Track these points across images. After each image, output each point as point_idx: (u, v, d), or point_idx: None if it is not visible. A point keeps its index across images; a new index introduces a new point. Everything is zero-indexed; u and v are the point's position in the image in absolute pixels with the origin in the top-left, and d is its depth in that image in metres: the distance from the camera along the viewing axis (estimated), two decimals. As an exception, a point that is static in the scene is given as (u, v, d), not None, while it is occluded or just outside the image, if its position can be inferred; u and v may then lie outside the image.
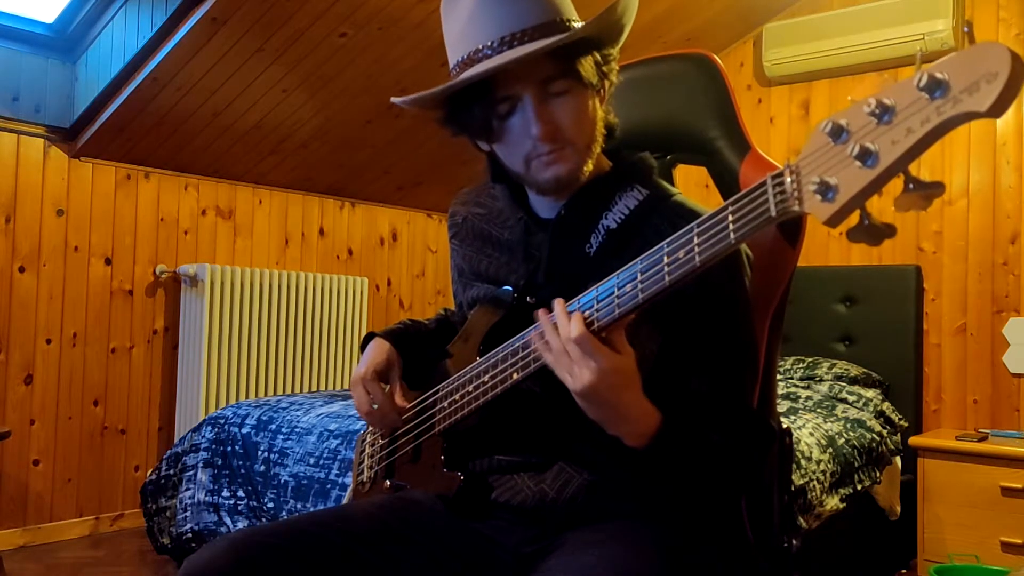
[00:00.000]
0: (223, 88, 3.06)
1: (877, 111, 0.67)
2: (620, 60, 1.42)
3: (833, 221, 0.70)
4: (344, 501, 1.42)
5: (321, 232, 3.94)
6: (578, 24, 1.04)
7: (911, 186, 0.68)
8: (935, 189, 0.68)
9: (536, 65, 1.01)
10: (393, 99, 1.12)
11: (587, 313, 0.90)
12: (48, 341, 3.10)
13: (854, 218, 0.71)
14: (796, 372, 3.28)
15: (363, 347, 1.27)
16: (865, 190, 0.68)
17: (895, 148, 0.66)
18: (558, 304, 0.92)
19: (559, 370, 0.91)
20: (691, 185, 3.41)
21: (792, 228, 1.18)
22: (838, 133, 0.70)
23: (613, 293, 0.89)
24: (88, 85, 3.08)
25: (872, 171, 0.67)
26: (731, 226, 0.78)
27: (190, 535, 2.58)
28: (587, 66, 1.03)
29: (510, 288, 1.12)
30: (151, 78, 2.91)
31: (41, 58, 3.06)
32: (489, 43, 1.01)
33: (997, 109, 0.61)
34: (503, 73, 1.01)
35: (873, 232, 0.70)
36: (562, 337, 0.89)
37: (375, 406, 1.19)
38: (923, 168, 3.47)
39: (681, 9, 3.55)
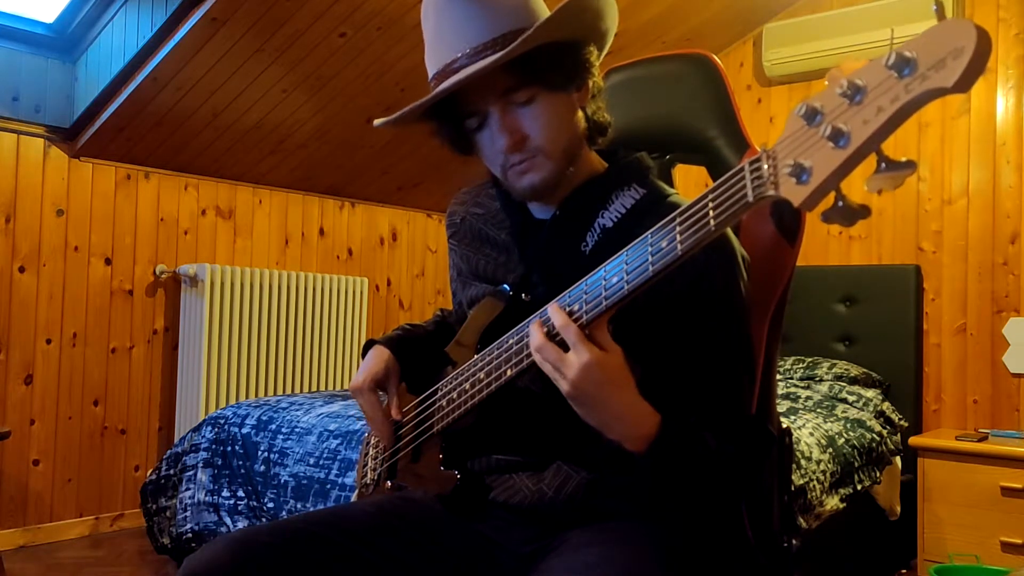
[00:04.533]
0: (223, 88, 3.06)
1: (849, 92, 0.67)
2: (619, 60, 1.42)
3: (808, 204, 0.70)
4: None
5: (321, 232, 3.94)
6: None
7: (883, 165, 0.68)
8: (907, 169, 0.68)
9: (494, 77, 0.99)
10: (375, 121, 1.12)
11: (575, 307, 0.90)
12: (48, 341, 3.10)
13: (830, 199, 0.70)
14: (796, 372, 3.28)
15: (364, 354, 1.26)
16: (838, 171, 0.68)
17: (866, 127, 0.66)
18: (550, 306, 0.92)
19: (545, 369, 0.90)
20: (691, 185, 3.41)
21: (791, 225, 1.16)
22: (812, 116, 0.70)
23: (601, 285, 0.89)
24: (88, 85, 3.08)
25: (844, 151, 0.67)
26: (711, 213, 0.78)
27: (190, 535, 2.58)
28: (552, 71, 1.00)
29: (507, 287, 1.11)
30: (151, 78, 2.92)
31: (41, 58, 3.06)
32: (457, 55, 1.00)
33: (963, 84, 0.61)
34: (466, 88, 1.00)
35: (847, 213, 0.70)
36: (543, 334, 0.89)
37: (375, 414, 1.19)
38: (924, 167, 3.47)
39: (680, 9, 3.55)
